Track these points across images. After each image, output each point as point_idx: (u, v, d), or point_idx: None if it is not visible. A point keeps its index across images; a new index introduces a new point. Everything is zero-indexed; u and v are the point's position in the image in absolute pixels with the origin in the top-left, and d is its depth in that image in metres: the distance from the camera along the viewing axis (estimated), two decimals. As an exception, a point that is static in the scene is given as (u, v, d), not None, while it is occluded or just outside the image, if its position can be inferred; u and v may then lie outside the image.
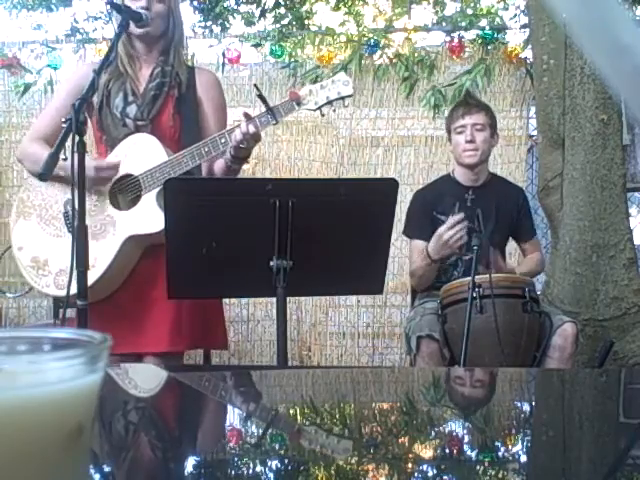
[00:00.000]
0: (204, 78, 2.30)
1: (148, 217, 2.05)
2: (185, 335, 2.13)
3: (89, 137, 2.01)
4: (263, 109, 2.05)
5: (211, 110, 2.26)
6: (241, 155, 2.10)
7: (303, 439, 0.66)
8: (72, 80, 2.25)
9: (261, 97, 2.02)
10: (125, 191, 2.13)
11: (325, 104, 2.07)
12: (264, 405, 0.90)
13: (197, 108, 2.24)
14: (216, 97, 2.30)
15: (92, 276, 2.07)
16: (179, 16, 2.26)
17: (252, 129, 2.00)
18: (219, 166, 2.21)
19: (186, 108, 2.21)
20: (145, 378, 1.06)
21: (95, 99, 2.18)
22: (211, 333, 2.23)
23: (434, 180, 3.14)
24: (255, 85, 2.14)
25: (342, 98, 2.08)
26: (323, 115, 2.16)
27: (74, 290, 1.81)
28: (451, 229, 2.53)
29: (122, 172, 2.13)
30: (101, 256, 2.09)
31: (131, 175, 2.12)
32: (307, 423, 0.80)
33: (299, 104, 2.06)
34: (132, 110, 2.16)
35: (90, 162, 2.08)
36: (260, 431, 0.76)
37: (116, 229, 2.10)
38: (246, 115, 2.04)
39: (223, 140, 2.05)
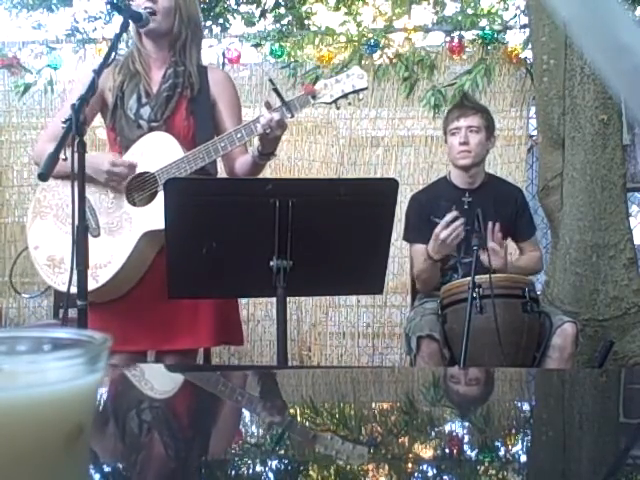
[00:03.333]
0: (217, 77, 2.30)
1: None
2: (207, 332, 2.14)
3: (90, 137, 2.01)
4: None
5: (226, 108, 2.27)
6: (268, 149, 2.12)
7: (319, 445, 0.66)
8: (84, 80, 2.26)
9: (276, 91, 2.03)
10: (142, 188, 2.13)
11: (340, 97, 2.09)
12: (275, 408, 0.90)
13: (211, 108, 2.24)
14: (231, 95, 2.31)
15: (108, 273, 2.08)
16: (188, 13, 2.20)
17: (276, 116, 2.01)
18: (244, 161, 2.22)
19: (200, 108, 2.21)
20: (153, 379, 1.06)
21: (109, 100, 2.19)
22: (231, 329, 2.25)
23: (430, 183, 3.15)
24: (270, 80, 2.15)
25: (357, 91, 2.09)
26: (338, 108, 2.17)
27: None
28: (447, 228, 2.53)
29: (139, 170, 2.13)
30: (117, 252, 2.09)
31: (147, 172, 2.12)
32: (309, 424, 0.80)
33: (314, 97, 2.08)
34: (146, 112, 2.17)
35: (106, 156, 2.12)
36: (275, 436, 0.76)
37: (132, 225, 2.10)
38: (267, 104, 2.06)
39: (239, 135, 2.07)
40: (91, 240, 2.03)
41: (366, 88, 2.12)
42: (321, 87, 2.09)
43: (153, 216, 2.07)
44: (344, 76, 2.10)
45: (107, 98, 2.21)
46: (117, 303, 2.12)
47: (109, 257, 2.08)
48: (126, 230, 2.11)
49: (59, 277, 2.11)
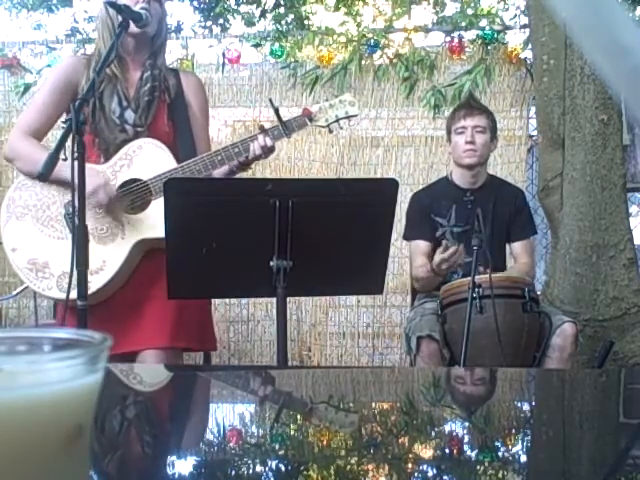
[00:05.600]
0: (191, 82, 2.34)
1: (160, 221, 2.05)
2: (183, 333, 2.13)
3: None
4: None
5: (199, 113, 2.32)
6: (248, 164, 2.19)
7: (315, 417, 0.67)
8: (57, 74, 2.25)
9: (276, 112, 2.14)
10: (132, 195, 2.13)
11: (334, 122, 2.23)
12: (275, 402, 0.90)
13: (187, 112, 2.28)
14: (203, 100, 2.37)
15: (101, 279, 2.06)
16: (166, 20, 2.31)
17: (269, 142, 2.12)
18: (220, 169, 2.23)
19: (178, 113, 2.24)
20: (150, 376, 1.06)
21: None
22: (204, 334, 2.24)
23: (431, 183, 3.15)
24: (270, 100, 2.24)
25: (349, 117, 2.26)
26: (331, 132, 2.29)
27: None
28: (447, 261, 2.52)
29: (128, 177, 2.13)
30: (110, 260, 2.08)
31: (138, 180, 2.11)
32: (310, 425, 0.80)
33: (311, 120, 2.21)
34: (130, 116, 2.17)
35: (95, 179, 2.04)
36: (272, 415, 0.76)
37: (125, 233, 2.10)
38: (261, 128, 2.16)
39: (236, 150, 2.12)
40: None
41: (357, 115, 2.30)
42: (317, 111, 2.22)
43: (147, 224, 2.08)
44: (337, 101, 2.25)
45: (91, 98, 2.17)
46: (94, 307, 2.08)
47: (100, 263, 2.07)
48: (118, 237, 2.10)
49: (43, 282, 2.09)
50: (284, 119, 2.16)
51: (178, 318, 2.11)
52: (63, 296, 2.08)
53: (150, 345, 2.08)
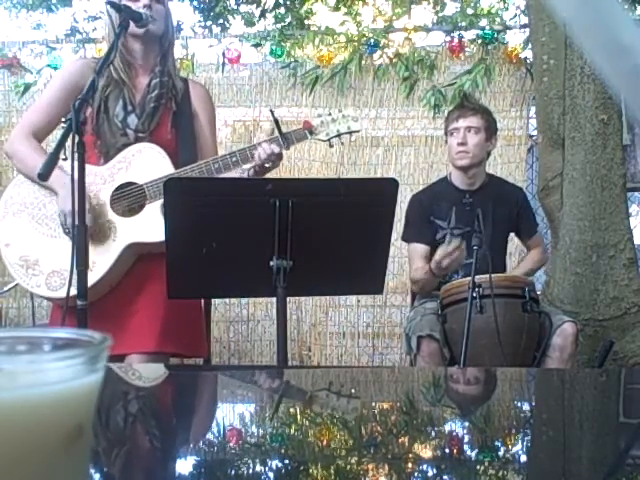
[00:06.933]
0: (198, 91, 2.34)
1: (152, 226, 2.05)
2: (172, 338, 2.11)
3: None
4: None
5: (206, 123, 2.32)
6: (260, 175, 2.16)
7: (315, 405, 0.67)
8: (64, 75, 2.25)
9: (276, 123, 2.12)
10: (127, 198, 2.13)
11: (335, 136, 2.20)
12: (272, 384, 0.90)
13: (192, 121, 2.27)
14: (211, 112, 2.37)
15: (89, 280, 2.06)
16: (172, 20, 2.30)
17: (276, 149, 2.08)
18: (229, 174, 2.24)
19: (183, 121, 2.24)
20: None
21: (92, 102, 2.17)
22: (195, 340, 2.23)
23: (431, 184, 3.14)
24: (271, 110, 2.22)
25: (350, 132, 2.22)
26: (332, 146, 2.26)
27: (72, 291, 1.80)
28: (448, 257, 2.53)
29: (124, 180, 2.13)
30: (100, 260, 2.08)
31: (134, 183, 2.12)
32: (308, 423, 0.80)
33: (311, 133, 2.18)
34: (133, 121, 2.17)
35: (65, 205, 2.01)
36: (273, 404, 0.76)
37: (117, 235, 2.10)
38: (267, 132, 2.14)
39: (234, 159, 2.11)
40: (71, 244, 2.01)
41: (359, 131, 2.25)
42: (318, 124, 2.19)
43: (140, 228, 2.08)
44: (340, 116, 2.21)
45: (92, 98, 2.17)
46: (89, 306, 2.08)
47: (91, 264, 2.06)
48: (110, 239, 2.10)
49: (33, 279, 2.09)
50: (282, 119, 2.16)
51: (167, 323, 2.09)
52: (51, 294, 2.09)
53: (137, 349, 2.06)
